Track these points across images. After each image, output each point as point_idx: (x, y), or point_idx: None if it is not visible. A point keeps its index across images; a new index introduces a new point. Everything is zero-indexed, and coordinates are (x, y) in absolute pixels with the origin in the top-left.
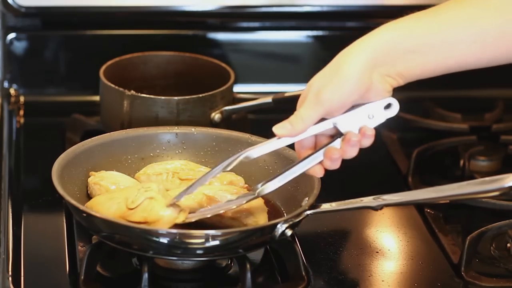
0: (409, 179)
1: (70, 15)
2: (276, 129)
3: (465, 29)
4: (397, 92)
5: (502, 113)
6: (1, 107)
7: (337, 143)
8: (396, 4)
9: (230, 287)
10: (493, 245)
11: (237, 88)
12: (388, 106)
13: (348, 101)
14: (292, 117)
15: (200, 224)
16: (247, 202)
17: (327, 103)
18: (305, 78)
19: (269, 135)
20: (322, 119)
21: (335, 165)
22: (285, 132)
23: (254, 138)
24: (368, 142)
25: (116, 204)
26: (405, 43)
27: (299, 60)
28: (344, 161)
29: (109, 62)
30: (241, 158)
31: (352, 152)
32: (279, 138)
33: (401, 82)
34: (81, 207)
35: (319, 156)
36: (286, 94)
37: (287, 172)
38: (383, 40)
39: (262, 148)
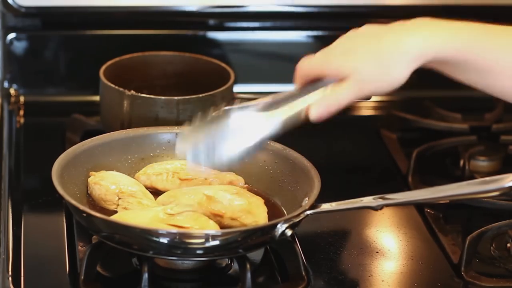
0: (409, 179)
1: (70, 15)
2: (312, 110)
3: None
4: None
5: (502, 113)
6: (1, 107)
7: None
8: (396, 4)
9: (230, 287)
10: (493, 245)
11: (237, 88)
12: None
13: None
14: (328, 98)
15: None
16: None
17: (368, 94)
18: None
19: None
20: None
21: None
22: (319, 114)
23: None
24: None
25: (153, 212)
26: (475, 60)
27: (299, 60)
28: (344, 161)
29: (109, 62)
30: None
31: None
32: (313, 118)
33: None
34: (81, 207)
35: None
36: None
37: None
38: (446, 48)
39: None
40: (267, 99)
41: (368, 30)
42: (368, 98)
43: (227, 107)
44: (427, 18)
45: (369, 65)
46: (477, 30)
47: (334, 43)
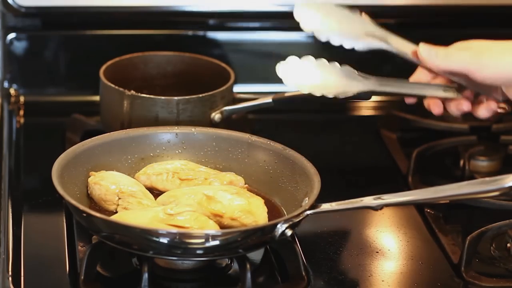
0: (409, 179)
1: (70, 15)
2: (422, 48)
3: None
4: None
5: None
6: (1, 107)
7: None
8: (396, 4)
9: (230, 287)
10: (493, 245)
11: (237, 88)
12: None
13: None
14: (441, 51)
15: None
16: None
17: (475, 71)
18: None
19: (269, 135)
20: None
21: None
22: (427, 56)
23: (254, 138)
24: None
25: (152, 212)
26: None
27: None
28: (344, 161)
29: (109, 62)
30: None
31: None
32: (417, 56)
33: None
34: (81, 207)
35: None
36: (286, 94)
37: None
38: None
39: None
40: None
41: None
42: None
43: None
44: None
45: (489, 55)
46: None
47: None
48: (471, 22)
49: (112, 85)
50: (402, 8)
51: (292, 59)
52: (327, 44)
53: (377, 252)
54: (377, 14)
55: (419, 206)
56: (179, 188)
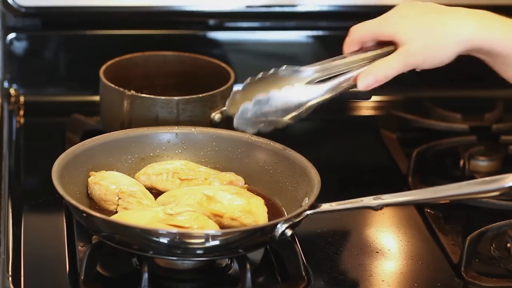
0: (409, 179)
1: (70, 15)
2: (360, 80)
3: None
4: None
5: (502, 113)
6: (1, 107)
7: None
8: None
9: (230, 287)
10: (493, 245)
11: (237, 88)
12: None
13: None
14: (376, 68)
15: None
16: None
17: (413, 67)
18: None
19: (269, 135)
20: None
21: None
22: (367, 84)
23: (254, 138)
24: None
25: (152, 212)
26: None
27: (299, 60)
28: (344, 161)
29: (109, 62)
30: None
31: None
32: (361, 87)
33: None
34: (81, 207)
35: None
36: None
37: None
38: (494, 41)
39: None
40: (317, 65)
41: (428, 2)
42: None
43: (276, 69)
44: (488, 11)
45: (422, 38)
46: None
47: (393, 10)
48: None
49: (112, 85)
50: None
51: (240, 112)
52: (327, 44)
53: (377, 252)
54: (377, 14)
55: (419, 206)
56: (179, 188)
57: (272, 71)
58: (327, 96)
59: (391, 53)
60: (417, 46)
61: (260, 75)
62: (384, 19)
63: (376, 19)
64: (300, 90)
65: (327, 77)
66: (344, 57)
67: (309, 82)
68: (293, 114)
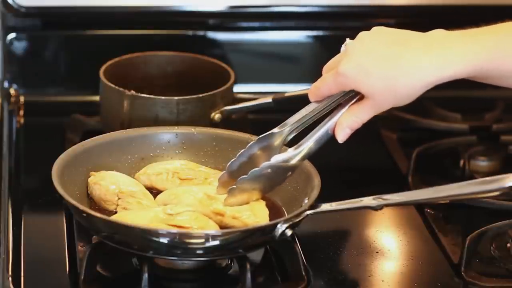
0: (409, 179)
1: (70, 15)
2: (337, 133)
3: None
4: None
5: (502, 113)
6: (1, 107)
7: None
8: (396, 4)
9: (230, 287)
10: (493, 245)
11: (237, 88)
12: None
13: None
14: (350, 121)
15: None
16: None
17: (386, 109)
18: (305, 78)
19: None
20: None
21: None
22: (345, 136)
23: (254, 138)
24: None
25: (153, 212)
26: (499, 67)
27: (299, 60)
28: (344, 161)
29: (109, 62)
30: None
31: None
32: (340, 141)
33: None
34: (81, 207)
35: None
36: (286, 94)
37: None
38: (464, 69)
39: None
40: (289, 123)
41: (382, 39)
42: None
43: (252, 143)
44: (442, 31)
45: (383, 92)
46: (491, 38)
47: (348, 54)
48: (471, 22)
49: (112, 85)
50: (402, 8)
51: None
52: (327, 44)
53: (377, 252)
54: (377, 14)
55: (419, 206)
56: (179, 188)
57: (247, 146)
58: (312, 151)
59: (356, 95)
60: (383, 99)
61: (239, 153)
62: (339, 75)
63: (332, 76)
64: (288, 154)
65: (302, 128)
66: (312, 105)
67: (287, 140)
68: (289, 173)
